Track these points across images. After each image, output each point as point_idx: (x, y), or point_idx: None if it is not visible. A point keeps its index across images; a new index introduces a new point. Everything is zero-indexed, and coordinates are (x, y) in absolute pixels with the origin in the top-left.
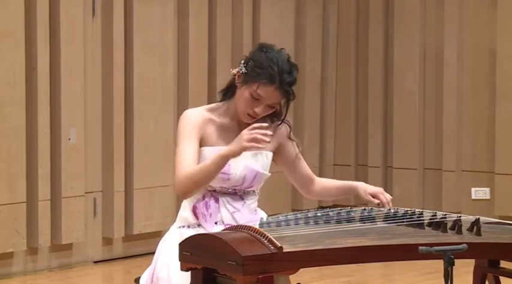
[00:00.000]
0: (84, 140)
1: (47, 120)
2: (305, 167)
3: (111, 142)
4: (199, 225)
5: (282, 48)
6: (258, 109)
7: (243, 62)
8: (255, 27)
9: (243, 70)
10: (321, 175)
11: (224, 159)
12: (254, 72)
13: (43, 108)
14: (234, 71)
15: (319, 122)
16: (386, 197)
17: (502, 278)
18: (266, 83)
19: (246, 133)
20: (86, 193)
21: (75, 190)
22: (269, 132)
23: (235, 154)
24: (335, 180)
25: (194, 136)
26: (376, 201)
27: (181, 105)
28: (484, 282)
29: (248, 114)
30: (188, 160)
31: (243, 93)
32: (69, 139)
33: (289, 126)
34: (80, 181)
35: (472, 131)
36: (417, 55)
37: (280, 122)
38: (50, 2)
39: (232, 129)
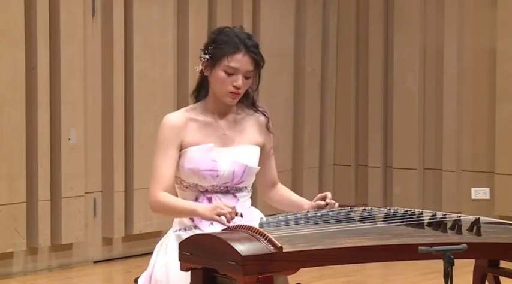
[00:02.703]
0: (84, 140)
1: (47, 120)
2: (273, 166)
3: (111, 142)
4: (195, 227)
5: (234, 26)
6: (237, 83)
7: (202, 53)
8: (255, 27)
9: (207, 57)
10: (320, 175)
11: (194, 214)
12: (218, 50)
13: (43, 108)
14: (200, 66)
15: (319, 122)
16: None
17: (502, 278)
18: (234, 52)
19: (220, 207)
20: (85, 193)
21: (75, 190)
22: (235, 218)
23: (204, 218)
24: (291, 194)
25: (172, 145)
26: (323, 203)
27: (181, 105)
28: (484, 282)
29: (230, 92)
30: (163, 176)
31: (216, 75)
32: (69, 139)
33: (267, 116)
34: (80, 181)
35: (472, 131)
36: (417, 55)
37: (256, 89)
38: (50, 2)
39: (213, 124)
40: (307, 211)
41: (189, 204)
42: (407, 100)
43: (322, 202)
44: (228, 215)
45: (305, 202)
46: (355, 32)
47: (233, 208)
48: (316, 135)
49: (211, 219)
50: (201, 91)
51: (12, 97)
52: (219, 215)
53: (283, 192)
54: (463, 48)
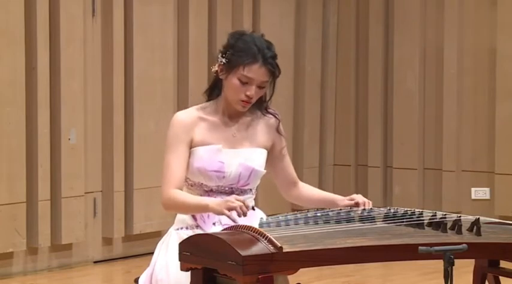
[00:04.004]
0: (84, 140)
1: (47, 120)
2: (289, 166)
3: (111, 142)
4: (197, 226)
5: (253, 31)
6: (249, 92)
7: (220, 55)
8: (255, 27)
9: (224, 61)
10: (320, 175)
11: (206, 210)
12: (235, 57)
13: (43, 108)
14: (215, 67)
15: (319, 122)
16: (363, 199)
17: (502, 278)
18: (251, 63)
19: (231, 201)
20: (85, 193)
21: (75, 190)
22: (248, 213)
23: (216, 213)
24: (318, 191)
25: (182, 142)
26: (354, 202)
27: (181, 105)
28: (484, 282)
29: (241, 101)
30: (174, 174)
31: (230, 82)
32: (69, 139)
33: (278, 119)
34: (79, 181)
35: (472, 131)
36: (417, 54)
37: (269, 98)
38: (50, 2)
39: (223, 125)
40: (307, 211)
41: (202, 200)
42: (407, 100)
43: (353, 202)
44: (239, 209)
45: (338, 198)
46: (355, 32)
47: (244, 201)
48: (316, 135)
49: (221, 213)
50: (214, 91)
51: (12, 97)
52: (230, 210)
53: (308, 189)
54: (463, 48)
